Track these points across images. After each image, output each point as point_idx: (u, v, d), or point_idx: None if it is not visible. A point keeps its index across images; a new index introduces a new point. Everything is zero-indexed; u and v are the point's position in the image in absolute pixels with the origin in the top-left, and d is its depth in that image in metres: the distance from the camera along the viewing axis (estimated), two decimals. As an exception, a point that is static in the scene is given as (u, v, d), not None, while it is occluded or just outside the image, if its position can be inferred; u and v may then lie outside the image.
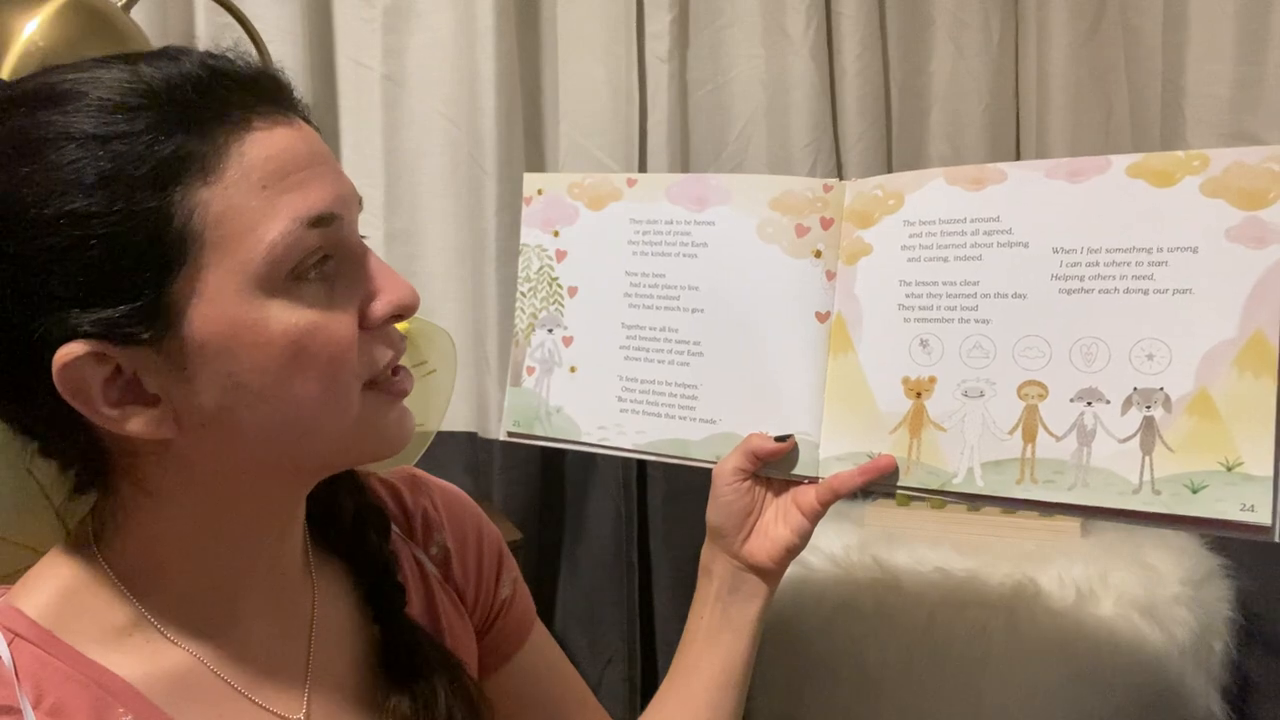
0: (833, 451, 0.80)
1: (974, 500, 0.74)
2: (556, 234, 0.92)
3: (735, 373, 0.84)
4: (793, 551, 0.80)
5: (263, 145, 0.51)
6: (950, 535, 1.31)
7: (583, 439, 0.89)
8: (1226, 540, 1.29)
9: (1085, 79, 1.62)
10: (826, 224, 0.82)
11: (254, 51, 0.53)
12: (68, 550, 0.57)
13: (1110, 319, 0.70)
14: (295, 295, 0.51)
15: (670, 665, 0.82)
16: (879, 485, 0.77)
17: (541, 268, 0.92)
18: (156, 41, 1.30)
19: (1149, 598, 1.17)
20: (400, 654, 0.63)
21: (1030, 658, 1.17)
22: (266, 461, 0.54)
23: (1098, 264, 0.71)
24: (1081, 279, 0.71)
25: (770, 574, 0.81)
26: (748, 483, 0.80)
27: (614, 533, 1.58)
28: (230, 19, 1.35)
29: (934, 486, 0.75)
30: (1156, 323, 0.68)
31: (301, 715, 0.59)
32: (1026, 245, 0.73)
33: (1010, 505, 0.73)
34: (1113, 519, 0.69)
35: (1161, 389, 0.68)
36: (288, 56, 1.38)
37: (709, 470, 0.83)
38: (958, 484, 0.74)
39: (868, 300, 0.79)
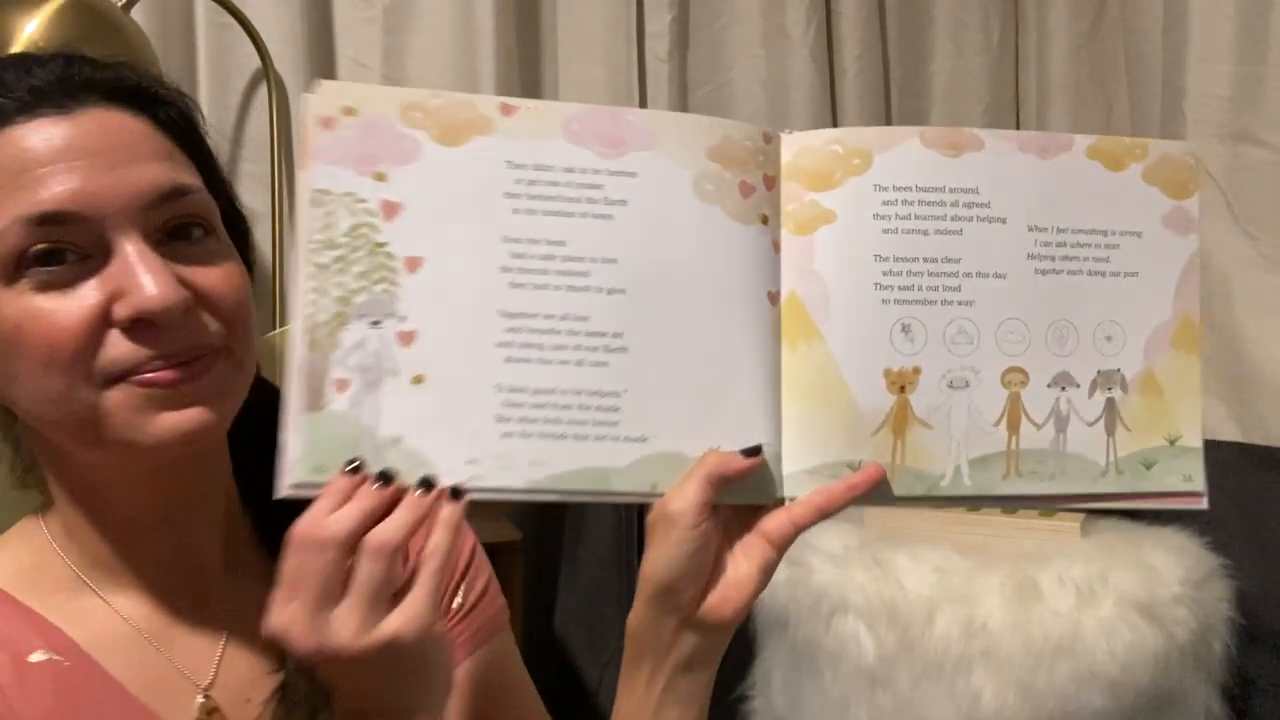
0: (802, 464, 0.67)
1: (961, 502, 0.71)
2: (381, 177, 0.64)
3: (671, 372, 0.66)
4: (758, 594, 0.65)
5: (12, 141, 0.55)
6: (950, 535, 1.31)
7: (442, 481, 0.61)
8: (1226, 540, 1.29)
9: (1085, 79, 1.62)
10: (770, 183, 0.69)
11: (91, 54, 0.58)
12: (29, 519, 0.64)
13: (1077, 301, 0.70)
14: (25, 285, 0.54)
15: None
16: (862, 498, 0.69)
17: (357, 228, 0.63)
18: (156, 42, 1.30)
19: (1149, 598, 1.17)
20: None
21: (1030, 658, 1.17)
22: (64, 444, 0.59)
23: (1065, 244, 0.71)
24: (1053, 259, 0.70)
25: (729, 627, 0.65)
26: (710, 519, 0.63)
27: (614, 533, 1.58)
28: (230, 19, 1.36)
29: (920, 493, 0.68)
30: (1112, 305, 0.71)
31: (207, 680, 0.63)
32: (1005, 221, 0.70)
33: (996, 503, 0.71)
34: (1082, 504, 0.71)
35: (1119, 370, 0.70)
36: (288, 56, 1.39)
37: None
38: (945, 486, 0.69)
39: (835, 278, 0.68)
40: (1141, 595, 1.17)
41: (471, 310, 0.64)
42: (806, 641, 1.27)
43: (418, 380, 0.63)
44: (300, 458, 0.60)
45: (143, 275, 0.55)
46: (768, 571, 0.64)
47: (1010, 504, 0.71)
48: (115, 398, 0.55)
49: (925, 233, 0.69)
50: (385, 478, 0.58)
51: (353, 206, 0.63)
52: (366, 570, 0.54)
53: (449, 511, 0.58)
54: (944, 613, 1.21)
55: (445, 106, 0.65)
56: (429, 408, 0.63)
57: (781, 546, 0.65)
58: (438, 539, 0.57)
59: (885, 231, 0.68)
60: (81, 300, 0.55)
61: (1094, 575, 1.18)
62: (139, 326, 0.55)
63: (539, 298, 0.65)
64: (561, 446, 0.64)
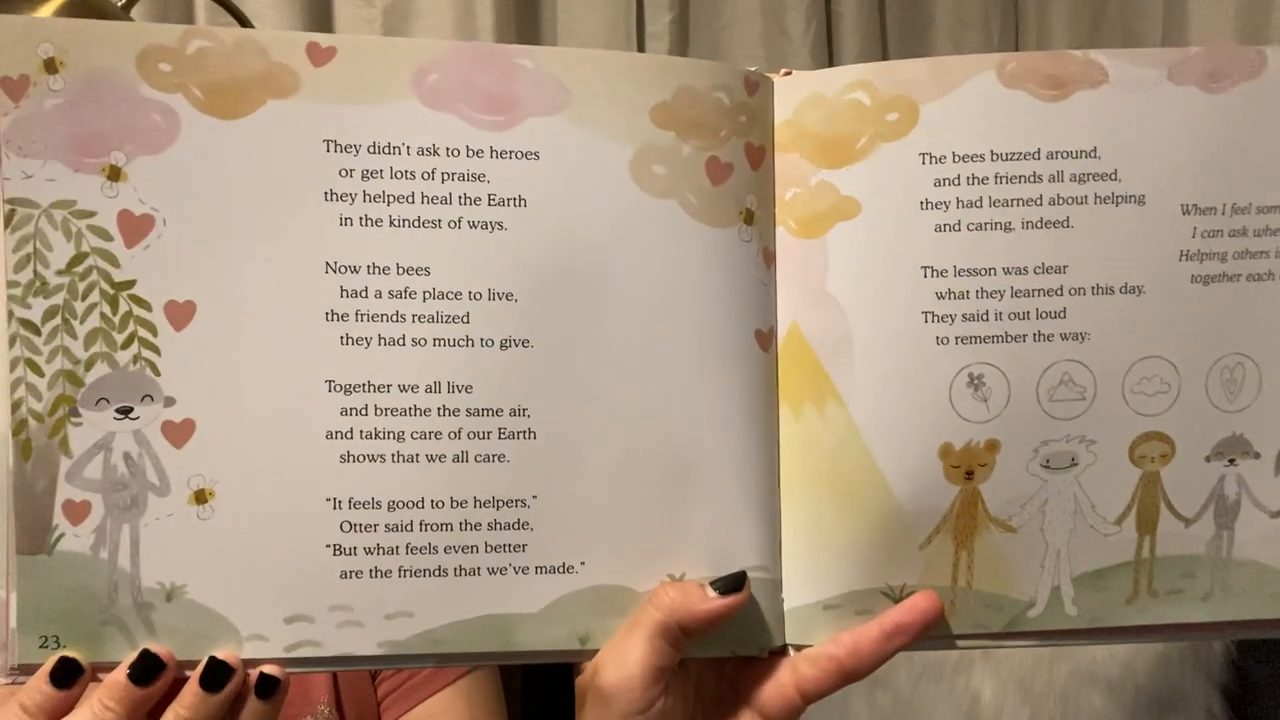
0: (814, 594, 0.46)
1: (1062, 639, 0.47)
2: (117, 175, 0.41)
3: (605, 465, 0.45)
4: None
5: None
6: (950, 535, 1.30)
7: (248, 651, 0.42)
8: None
9: (1085, 79, 1.63)
10: (756, 157, 0.46)
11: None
12: None
13: (1261, 324, 0.46)
14: None
15: None
16: (909, 644, 0.47)
17: (81, 260, 0.41)
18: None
19: (1149, 598, 1.18)
20: None
21: (1030, 658, 1.17)
22: None
23: (1245, 232, 0.46)
24: (1223, 257, 0.46)
25: None
26: (668, 690, 0.43)
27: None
28: (230, 19, 1.36)
29: (997, 628, 0.47)
30: None
31: None
32: (1142, 201, 0.45)
33: (1117, 639, 0.48)
34: (1260, 633, 0.48)
35: None
36: (288, 56, 1.39)
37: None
38: (1037, 617, 0.47)
39: (862, 304, 0.46)
40: (1142, 595, 1.17)
41: (281, 383, 0.42)
42: (806, 641, 1.27)
43: (201, 497, 0.42)
44: (21, 625, 0.40)
45: None
46: None
47: (1142, 638, 0.48)
48: None
49: (1007, 227, 0.45)
50: (146, 668, 0.38)
51: (71, 225, 0.41)
52: None
53: (253, 714, 0.38)
54: (944, 612, 1.21)
55: (216, 53, 0.41)
56: (221, 539, 0.42)
57: (783, 716, 0.45)
58: None
59: (941, 229, 0.45)
60: None
61: (1094, 575, 1.19)
62: None
63: (390, 360, 0.42)
64: (438, 588, 0.43)
